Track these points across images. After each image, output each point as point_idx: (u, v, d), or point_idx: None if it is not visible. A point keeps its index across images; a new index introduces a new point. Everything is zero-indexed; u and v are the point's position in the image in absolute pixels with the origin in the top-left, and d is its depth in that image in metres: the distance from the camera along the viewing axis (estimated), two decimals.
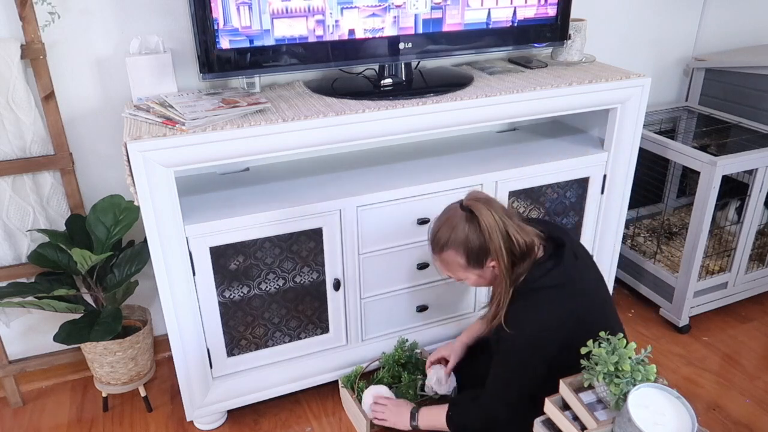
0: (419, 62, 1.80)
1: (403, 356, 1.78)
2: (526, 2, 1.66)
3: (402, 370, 1.77)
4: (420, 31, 1.59)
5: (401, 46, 1.60)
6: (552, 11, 1.72)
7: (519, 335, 1.33)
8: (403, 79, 1.71)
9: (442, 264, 1.42)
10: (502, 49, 1.83)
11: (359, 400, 1.69)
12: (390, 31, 1.56)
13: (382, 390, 1.68)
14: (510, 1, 1.64)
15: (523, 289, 1.34)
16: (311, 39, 1.49)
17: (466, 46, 1.68)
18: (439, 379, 1.67)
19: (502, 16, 1.66)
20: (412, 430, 1.59)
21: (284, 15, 1.44)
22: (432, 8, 1.56)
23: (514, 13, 1.65)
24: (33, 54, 1.51)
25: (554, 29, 1.77)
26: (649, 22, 2.27)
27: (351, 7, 1.49)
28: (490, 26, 1.66)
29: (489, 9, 1.62)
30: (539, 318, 1.33)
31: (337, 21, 1.50)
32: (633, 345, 1.16)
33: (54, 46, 1.55)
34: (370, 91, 1.65)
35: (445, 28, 1.61)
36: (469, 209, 1.34)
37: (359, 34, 1.54)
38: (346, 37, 1.52)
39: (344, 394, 1.76)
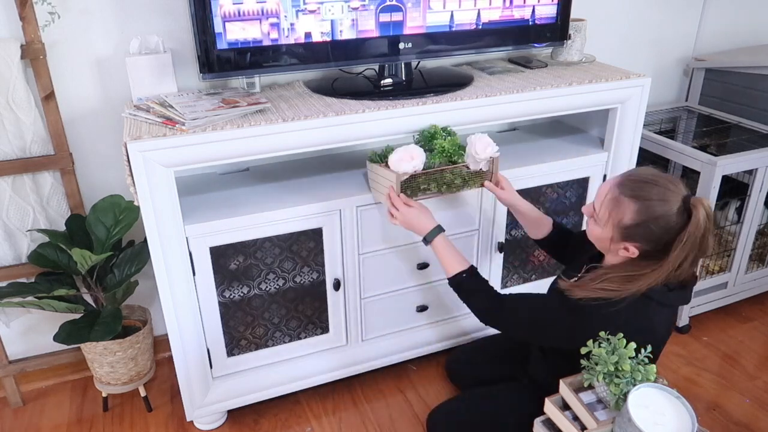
0: (419, 62, 1.80)
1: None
2: (490, 4, 1.64)
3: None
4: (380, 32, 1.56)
5: (401, 45, 1.60)
6: (523, 13, 1.69)
7: (593, 307, 1.23)
8: (403, 79, 1.71)
9: (610, 200, 1.26)
10: (502, 49, 1.83)
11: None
12: (348, 35, 1.52)
13: (415, 151, 1.46)
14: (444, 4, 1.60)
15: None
16: (266, 42, 1.46)
17: (466, 46, 1.68)
18: (484, 146, 1.47)
19: (465, 19, 1.63)
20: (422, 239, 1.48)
21: (236, 18, 1.42)
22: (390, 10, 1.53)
23: (452, 17, 1.61)
24: (33, 54, 1.51)
25: (554, 29, 1.77)
26: (649, 22, 2.27)
27: (306, 12, 1.47)
28: (453, 28, 1.63)
29: (452, 11, 1.60)
30: (621, 314, 1.22)
31: (292, 24, 1.47)
32: (633, 345, 1.16)
33: (54, 46, 1.55)
34: (370, 91, 1.65)
35: (407, 31, 1.58)
36: (690, 208, 1.20)
37: (316, 38, 1.50)
38: (302, 40, 1.49)
39: (371, 167, 1.57)
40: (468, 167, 1.53)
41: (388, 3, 1.53)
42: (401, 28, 1.58)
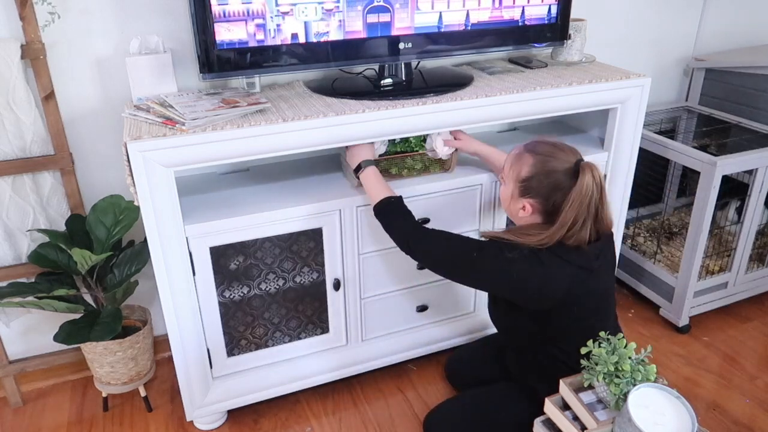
0: (419, 62, 1.80)
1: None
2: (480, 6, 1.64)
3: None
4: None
5: (401, 45, 1.60)
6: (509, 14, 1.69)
7: (505, 261, 1.34)
8: (403, 79, 1.71)
9: (514, 155, 1.41)
10: (502, 49, 1.83)
11: None
12: (335, 36, 1.52)
13: (379, 141, 1.62)
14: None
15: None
16: (251, 44, 1.46)
17: (466, 46, 1.68)
18: (443, 140, 1.64)
19: (454, 20, 1.64)
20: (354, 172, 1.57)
21: (222, 19, 1.42)
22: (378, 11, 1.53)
23: (440, 18, 1.61)
24: (33, 54, 1.51)
25: (554, 29, 1.77)
26: (649, 22, 2.27)
27: (290, 15, 1.46)
28: (441, 29, 1.63)
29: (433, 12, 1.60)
30: (548, 270, 1.33)
31: (278, 25, 1.46)
32: (633, 345, 1.16)
33: (54, 46, 1.55)
34: (370, 91, 1.65)
35: (395, 32, 1.58)
36: (579, 168, 1.34)
37: (301, 39, 1.49)
38: (289, 41, 1.48)
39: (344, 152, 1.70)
40: (428, 155, 1.70)
41: (375, 3, 1.52)
42: (389, 29, 1.57)
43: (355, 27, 1.53)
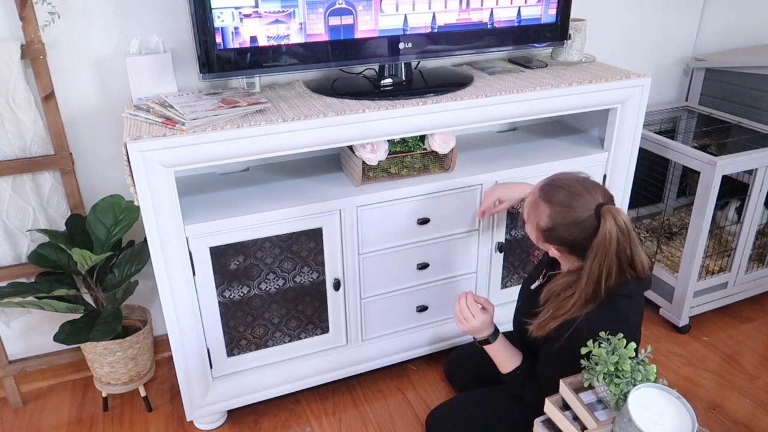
0: (419, 62, 1.80)
1: None
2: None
3: None
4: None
5: (401, 45, 1.60)
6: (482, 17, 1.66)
7: (576, 329, 1.26)
8: (403, 79, 1.71)
9: (530, 202, 1.33)
10: (502, 49, 1.83)
11: None
12: (296, 39, 1.48)
13: (378, 144, 1.59)
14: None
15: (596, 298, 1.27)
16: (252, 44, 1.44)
17: (466, 46, 1.68)
18: (444, 140, 1.64)
19: (420, 22, 1.60)
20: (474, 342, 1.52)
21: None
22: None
23: (405, 20, 1.57)
24: (33, 54, 1.51)
25: (554, 29, 1.77)
26: (649, 22, 2.27)
27: (252, 17, 1.43)
28: (407, 31, 1.58)
29: (405, 14, 1.57)
30: (618, 320, 1.26)
31: (236, 28, 1.44)
32: (633, 345, 1.16)
33: (54, 46, 1.55)
34: (370, 91, 1.65)
35: (358, 35, 1.54)
36: (599, 215, 1.23)
37: (262, 42, 1.46)
38: (248, 44, 1.45)
39: (344, 151, 1.69)
40: (425, 154, 1.69)
41: (337, 6, 1.50)
42: (352, 32, 1.54)
43: (317, 30, 1.50)
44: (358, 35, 1.55)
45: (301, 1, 1.45)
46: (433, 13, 1.60)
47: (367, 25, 1.54)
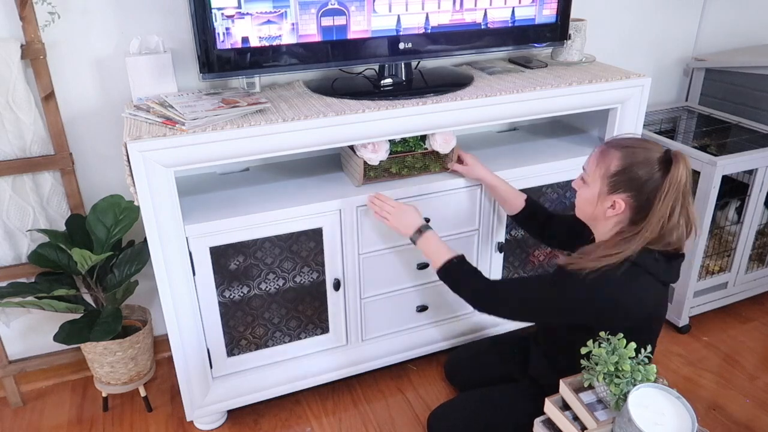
0: (419, 62, 1.80)
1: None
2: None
3: None
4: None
5: (401, 45, 1.60)
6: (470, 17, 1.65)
7: (588, 289, 1.26)
8: (403, 79, 1.71)
9: (598, 153, 1.33)
10: (502, 49, 1.83)
11: None
12: (288, 39, 1.48)
13: (379, 144, 1.59)
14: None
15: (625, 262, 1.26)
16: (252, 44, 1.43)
17: (466, 46, 1.68)
18: (445, 140, 1.62)
19: (414, 23, 1.60)
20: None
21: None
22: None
23: (398, 20, 1.58)
24: (33, 54, 1.51)
25: (554, 29, 1.77)
26: (649, 22, 2.27)
27: (243, 15, 1.43)
28: (400, 32, 1.59)
29: (398, 16, 1.56)
30: (626, 292, 1.26)
31: (228, 29, 1.43)
32: (633, 345, 1.16)
33: (54, 46, 1.55)
34: (370, 91, 1.65)
35: (350, 35, 1.53)
36: (670, 157, 1.25)
37: (253, 42, 1.46)
38: (239, 45, 1.45)
39: (345, 150, 1.69)
40: (426, 153, 1.69)
41: (330, 6, 1.49)
42: (345, 33, 1.53)
43: (310, 30, 1.49)
44: (350, 36, 1.55)
45: (293, 1, 1.45)
46: (426, 14, 1.59)
47: (359, 26, 1.54)
